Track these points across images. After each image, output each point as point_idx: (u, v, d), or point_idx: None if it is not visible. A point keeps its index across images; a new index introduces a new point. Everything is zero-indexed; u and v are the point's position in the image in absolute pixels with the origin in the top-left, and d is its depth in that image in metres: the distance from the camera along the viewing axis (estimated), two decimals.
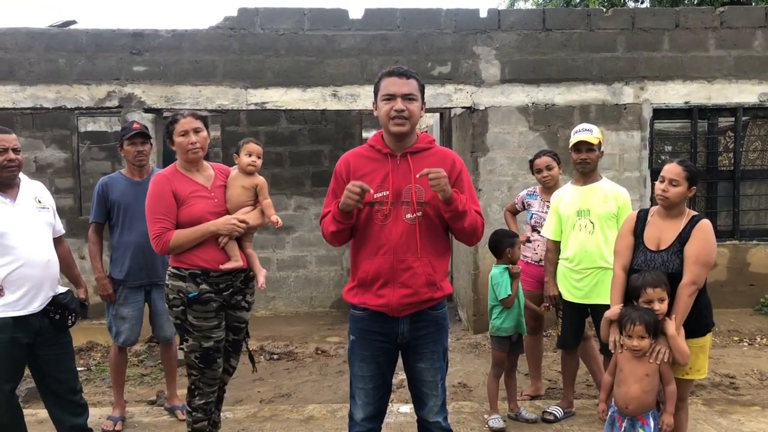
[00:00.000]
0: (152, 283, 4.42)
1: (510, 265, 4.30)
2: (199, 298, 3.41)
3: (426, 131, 10.61)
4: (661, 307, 3.23)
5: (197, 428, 3.57)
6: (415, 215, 2.78)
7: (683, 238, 3.33)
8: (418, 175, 2.72)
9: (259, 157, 3.69)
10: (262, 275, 3.65)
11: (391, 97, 2.78)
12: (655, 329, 3.21)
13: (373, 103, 2.90)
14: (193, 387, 3.55)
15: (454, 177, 2.84)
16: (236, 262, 3.49)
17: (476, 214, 2.84)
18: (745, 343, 6.47)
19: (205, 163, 3.64)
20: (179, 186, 3.46)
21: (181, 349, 3.56)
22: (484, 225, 2.91)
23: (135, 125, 4.51)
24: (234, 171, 3.71)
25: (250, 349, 3.93)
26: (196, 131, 3.50)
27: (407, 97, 2.78)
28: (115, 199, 4.37)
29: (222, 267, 3.45)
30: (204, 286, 3.43)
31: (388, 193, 2.78)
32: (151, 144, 4.56)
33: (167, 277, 3.49)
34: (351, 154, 2.94)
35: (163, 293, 3.57)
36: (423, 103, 2.88)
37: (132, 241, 4.33)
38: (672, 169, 3.38)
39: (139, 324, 4.47)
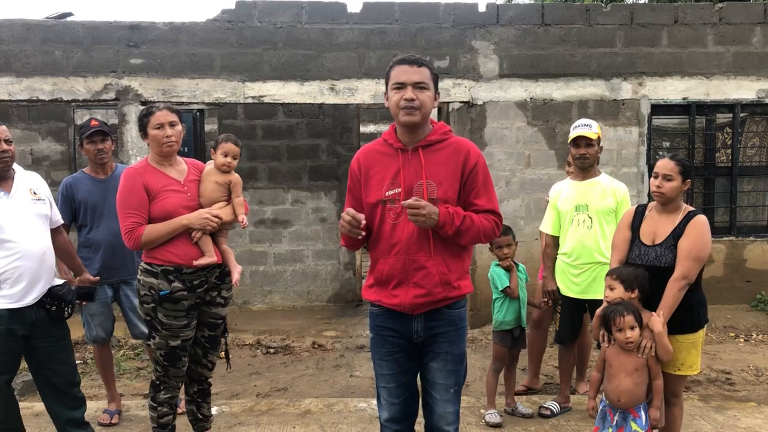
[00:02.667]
0: (122, 281, 4.34)
1: (500, 261, 4.34)
2: (170, 296, 3.35)
3: None
4: (610, 294, 3.31)
5: (163, 423, 3.53)
6: None
7: (677, 233, 3.35)
8: (404, 204, 2.59)
9: (235, 158, 3.58)
10: (237, 272, 3.54)
11: (401, 86, 2.64)
12: (640, 318, 3.24)
13: (385, 94, 2.78)
14: (158, 382, 3.50)
15: (467, 172, 2.71)
16: (210, 257, 3.41)
17: (484, 219, 2.70)
18: (741, 339, 6.50)
19: (178, 157, 3.57)
20: (151, 180, 3.39)
21: (148, 345, 3.50)
22: (498, 223, 2.77)
23: (93, 122, 4.36)
24: (209, 166, 3.63)
25: (228, 346, 3.81)
26: (172, 125, 3.42)
27: (418, 86, 2.64)
28: (81, 199, 4.29)
29: (195, 263, 3.37)
30: (176, 284, 3.35)
31: (400, 190, 2.67)
32: (112, 140, 4.44)
33: (139, 272, 3.42)
34: (362, 152, 2.85)
35: (133, 290, 3.50)
36: (437, 93, 2.75)
37: (102, 240, 4.25)
38: (665, 165, 3.40)
39: (109, 319, 4.42)
